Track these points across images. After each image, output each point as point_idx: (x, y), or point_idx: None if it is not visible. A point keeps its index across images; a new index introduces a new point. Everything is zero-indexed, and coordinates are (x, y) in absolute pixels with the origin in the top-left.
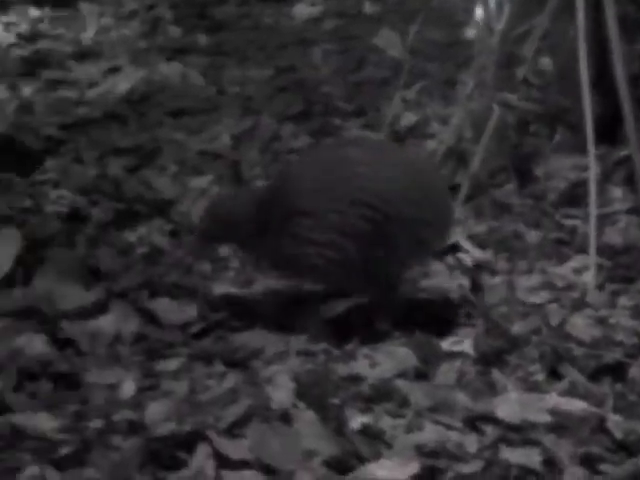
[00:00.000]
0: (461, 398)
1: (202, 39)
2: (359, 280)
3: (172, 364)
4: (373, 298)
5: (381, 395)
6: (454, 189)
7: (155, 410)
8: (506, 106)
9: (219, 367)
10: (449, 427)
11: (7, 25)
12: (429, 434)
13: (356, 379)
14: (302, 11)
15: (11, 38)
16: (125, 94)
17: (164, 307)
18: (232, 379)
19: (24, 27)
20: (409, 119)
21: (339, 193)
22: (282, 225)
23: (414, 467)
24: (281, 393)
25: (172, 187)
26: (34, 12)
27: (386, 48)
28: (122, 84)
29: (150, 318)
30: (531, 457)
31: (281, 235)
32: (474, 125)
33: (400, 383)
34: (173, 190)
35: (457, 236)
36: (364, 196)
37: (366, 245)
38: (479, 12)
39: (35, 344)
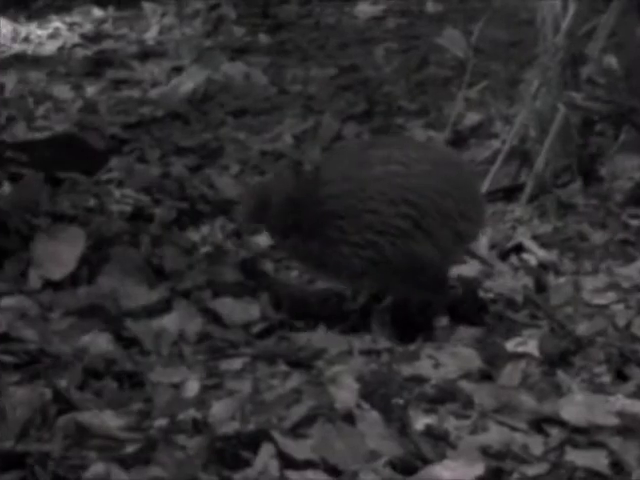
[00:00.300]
0: (526, 399)
1: (264, 38)
2: (402, 279)
3: (235, 363)
4: (421, 296)
5: (445, 396)
6: (518, 189)
7: (219, 409)
8: (571, 105)
9: (282, 367)
10: (514, 428)
11: (71, 26)
12: (494, 435)
13: (420, 379)
14: (364, 10)
15: (75, 38)
16: (189, 94)
17: (227, 307)
18: (296, 379)
19: (88, 27)
20: (472, 119)
21: (372, 193)
22: (313, 227)
23: (479, 468)
24: (345, 393)
25: (234, 187)
26: (97, 12)
27: (450, 47)
28: (186, 84)
29: (213, 317)
30: (598, 460)
31: (312, 237)
32: (539, 125)
33: (464, 384)
34: (235, 189)
35: (521, 236)
36: (398, 194)
37: (405, 242)
38: (544, 10)
39: (100, 342)
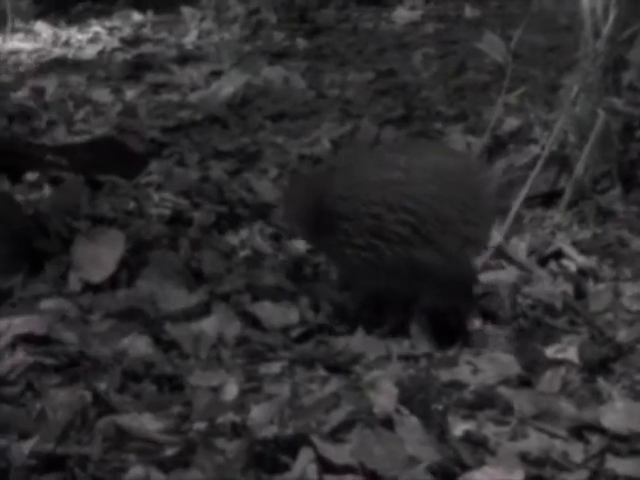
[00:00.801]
0: (566, 406)
1: (302, 43)
2: (409, 284)
3: (274, 367)
4: (441, 302)
5: (484, 402)
6: (557, 195)
7: (258, 413)
8: (611, 111)
9: (321, 371)
10: (554, 435)
11: (111, 30)
12: (533, 442)
13: (458, 385)
14: (402, 15)
15: (115, 42)
16: (229, 98)
17: (266, 310)
18: (334, 383)
19: (127, 31)
20: (511, 124)
21: (375, 197)
22: (327, 227)
23: (518, 475)
24: (384, 398)
25: (273, 190)
26: (137, 17)
27: (489, 52)
28: (226, 88)
29: (252, 321)
30: (638, 468)
31: (327, 236)
32: (578, 130)
33: (503, 390)
34: (274, 193)
35: (561, 242)
36: (398, 200)
37: (405, 248)
38: (584, 15)
39: (139, 345)
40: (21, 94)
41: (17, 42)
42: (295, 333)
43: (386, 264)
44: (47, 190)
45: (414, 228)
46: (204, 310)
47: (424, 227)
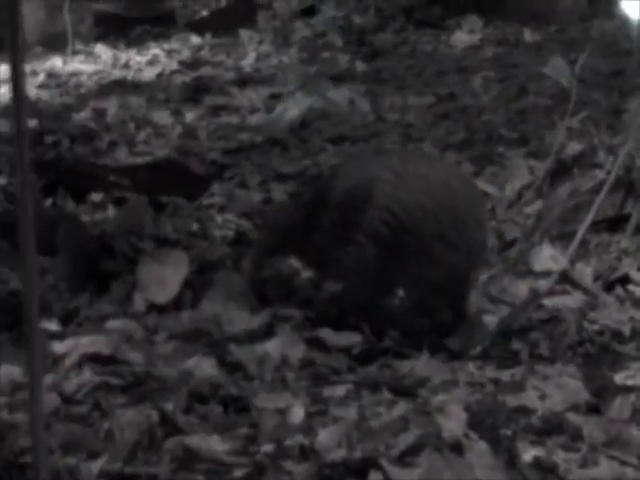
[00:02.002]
0: (637, 434)
1: (360, 66)
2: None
3: (339, 390)
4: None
5: (552, 428)
6: (623, 219)
7: (326, 436)
8: None
9: (387, 394)
10: (625, 463)
11: (169, 52)
12: (604, 469)
13: (526, 411)
14: (461, 39)
15: (174, 65)
16: (294, 121)
17: (329, 333)
18: (401, 407)
19: (186, 54)
20: (574, 148)
21: (363, 193)
22: (320, 222)
23: None
24: (453, 422)
25: None
26: (195, 40)
27: (555, 76)
28: (291, 110)
29: (316, 343)
30: None
31: (320, 232)
32: None
33: (572, 416)
34: None
35: (627, 267)
36: (384, 200)
37: (383, 250)
38: None
39: (204, 367)
40: (83, 115)
41: (78, 64)
42: (359, 355)
43: (365, 262)
44: (111, 210)
45: (393, 233)
46: (268, 332)
47: (402, 236)
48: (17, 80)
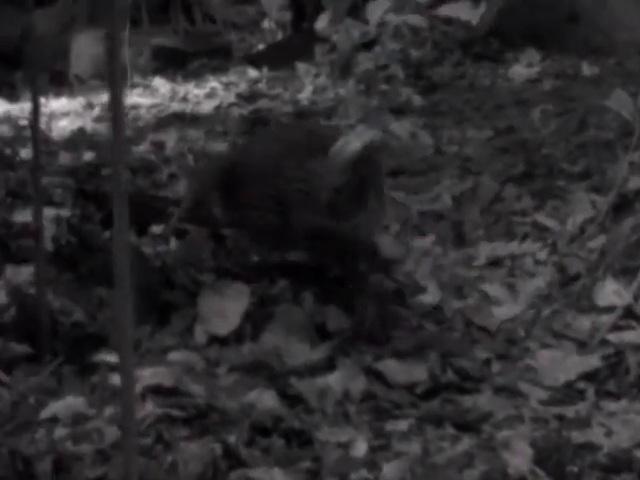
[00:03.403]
0: None
1: (418, 99)
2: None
3: (402, 424)
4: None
5: (620, 465)
6: None
7: (390, 470)
8: None
9: (450, 429)
10: None
11: (227, 85)
12: None
13: (592, 447)
14: (519, 72)
15: (231, 98)
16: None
17: (391, 367)
18: (465, 442)
19: (243, 87)
20: (637, 182)
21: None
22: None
23: None
24: (518, 459)
25: (395, 246)
26: (252, 73)
27: (618, 109)
28: (353, 143)
29: (377, 377)
30: None
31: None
32: None
33: (639, 453)
34: (396, 249)
35: None
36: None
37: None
38: None
39: (266, 399)
40: (142, 148)
41: (136, 97)
42: (421, 390)
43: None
44: (173, 243)
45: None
46: (329, 365)
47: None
48: (116, 113)
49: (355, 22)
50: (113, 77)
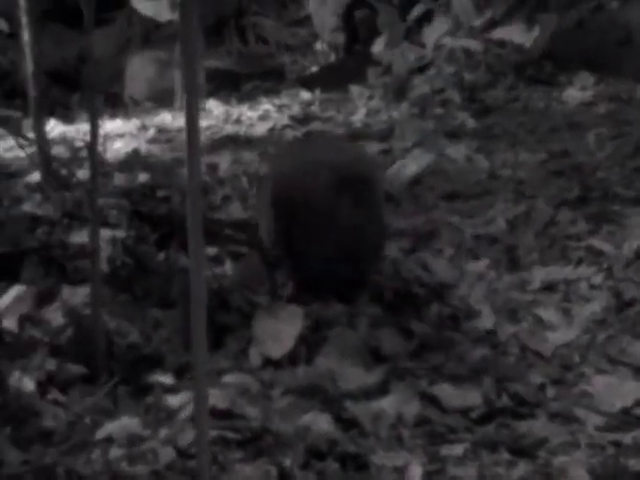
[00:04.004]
0: None
1: (471, 122)
2: None
3: (457, 449)
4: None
5: None
6: None
7: None
8: None
9: (505, 455)
10: None
11: (280, 107)
12: None
13: None
14: (573, 95)
15: (284, 120)
16: (412, 177)
17: (445, 391)
18: (521, 468)
19: (296, 109)
20: None
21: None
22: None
23: None
24: None
25: (449, 270)
26: (305, 95)
27: None
28: (410, 167)
29: (431, 401)
30: None
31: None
32: None
33: None
34: (450, 273)
35: None
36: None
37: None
38: None
39: (320, 422)
40: None
41: None
42: (476, 415)
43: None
44: (228, 265)
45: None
46: (383, 389)
47: None
48: (191, 134)
49: (411, 45)
50: (190, 103)
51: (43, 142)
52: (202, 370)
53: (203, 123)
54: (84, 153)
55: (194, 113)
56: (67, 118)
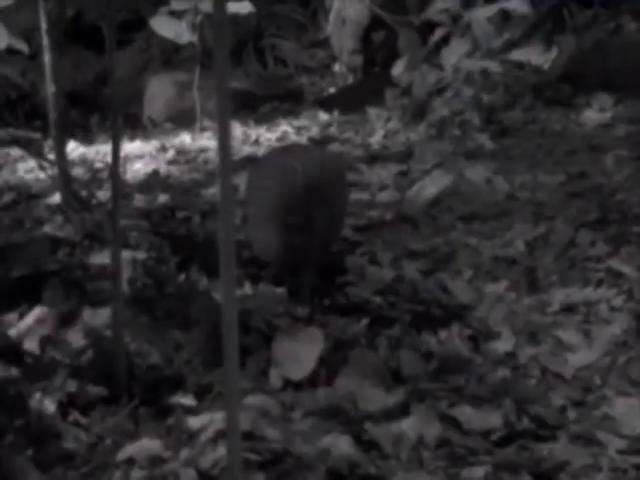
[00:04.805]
0: None
1: (489, 144)
2: None
3: (478, 472)
4: None
5: None
6: None
7: None
8: None
9: (526, 478)
10: None
11: (298, 129)
12: None
13: None
14: (591, 117)
15: (303, 141)
16: (431, 199)
17: (466, 414)
18: None
19: (315, 131)
20: None
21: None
22: None
23: None
24: None
25: (468, 292)
26: (323, 116)
27: None
28: (429, 189)
29: (452, 423)
30: None
31: None
32: None
33: None
34: (469, 295)
35: None
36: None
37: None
38: None
39: (341, 445)
40: (212, 191)
41: (205, 140)
42: (496, 437)
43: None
44: (247, 287)
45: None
46: (403, 410)
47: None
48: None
49: (430, 68)
50: (222, 123)
51: (63, 163)
52: (235, 395)
53: None
54: (104, 174)
55: (226, 133)
56: (86, 139)
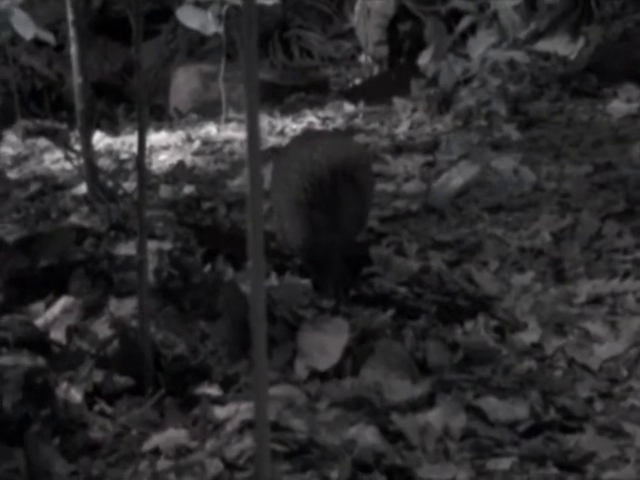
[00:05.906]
0: None
1: (515, 134)
2: None
3: (503, 463)
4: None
5: None
6: None
7: None
8: None
9: (553, 469)
10: None
11: (324, 120)
12: None
13: None
14: (618, 107)
15: None
16: (458, 189)
17: (492, 404)
18: None
19: (340, 122)
20: None
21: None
22: None
23: None
24: None
25: (494, 283)
26: (349, 107)
27: None
28: (455, 179)
29: (478, 414)
30: None
31: None
32: None
33: None
34: (495, 286)
35: None
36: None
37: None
38: None
39: (367, 435)
40: (237, 182)
41: (231, 131)
42: (523, 428)
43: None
44: (273, 278)
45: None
46: (429, 401)
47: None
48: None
49: (456, 58)
50: (251, 112)
51: (89, 154)
52: (264, 386)
53: (244, 135)
54: (130, 165)
55: (255, 122)
56: (112, 130)
